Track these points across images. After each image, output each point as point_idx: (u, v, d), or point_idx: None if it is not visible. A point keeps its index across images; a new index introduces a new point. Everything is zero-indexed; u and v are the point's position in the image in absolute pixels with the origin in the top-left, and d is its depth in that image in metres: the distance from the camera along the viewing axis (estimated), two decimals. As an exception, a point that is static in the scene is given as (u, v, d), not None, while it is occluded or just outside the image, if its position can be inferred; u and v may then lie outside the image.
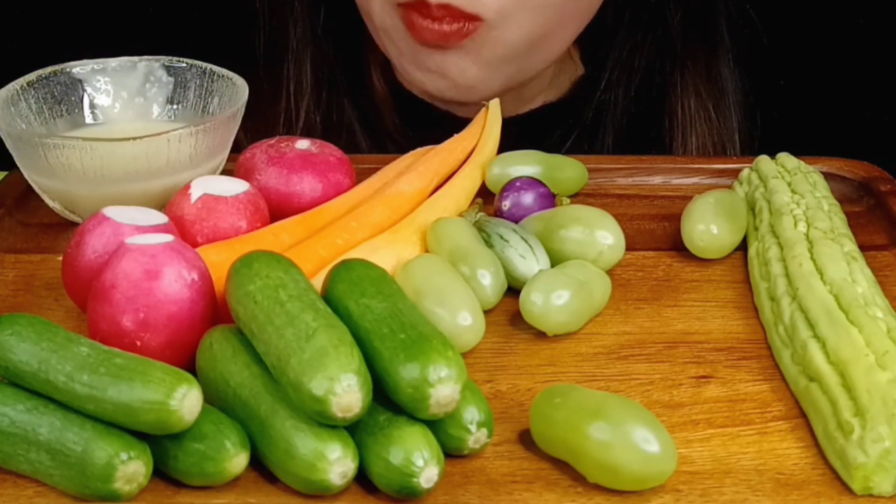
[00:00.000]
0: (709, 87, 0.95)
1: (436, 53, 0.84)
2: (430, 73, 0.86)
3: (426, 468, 0.52)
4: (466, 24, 0.81)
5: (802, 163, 0.76)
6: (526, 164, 0.76)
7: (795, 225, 0.68)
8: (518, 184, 0.73)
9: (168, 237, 0.61)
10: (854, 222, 0.72)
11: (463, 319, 0.62)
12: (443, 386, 0.53)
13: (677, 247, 0.72)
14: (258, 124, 0.84)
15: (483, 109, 0.80)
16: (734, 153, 0.95)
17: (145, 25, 1.05)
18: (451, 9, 0.81)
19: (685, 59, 0.94)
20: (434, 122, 0.94)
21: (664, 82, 0.95)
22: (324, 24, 0.94)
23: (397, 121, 0.96)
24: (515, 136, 0.81)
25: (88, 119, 0.79)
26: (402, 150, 0.79)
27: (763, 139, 0.98)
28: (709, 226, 0.71)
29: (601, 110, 0.95)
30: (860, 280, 0.63)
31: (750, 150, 0.96)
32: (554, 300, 0.63)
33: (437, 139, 0.78)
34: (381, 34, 0.88)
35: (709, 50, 0.95)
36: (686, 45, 0.94)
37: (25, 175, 0.74)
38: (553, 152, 0.79)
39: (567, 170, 0.78)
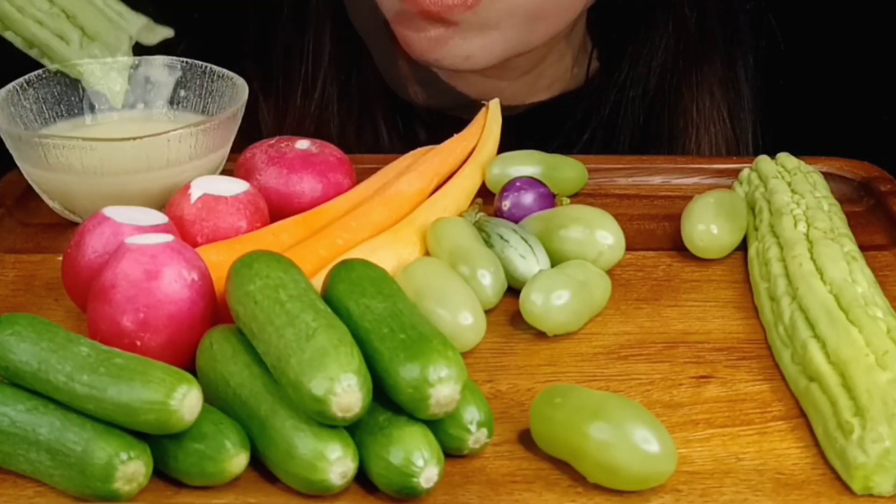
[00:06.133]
0: (724, 89, 0.95)
1: (438, 26, 0.85)
2: (430, 40, 0.87)
3: (426, 468, 0.52)
4: None
5: (802, 163, 0.76)
6: (526, 164, 0.76)
7: (795, 225, 0.68)
8: (518, 184, 0.73)
9: (168, 237, 0.61)
10: (854, 222, 0.72)
11: (463, 319, 0.62)
12: (443, 386, 0.52)
13: (677, 247, 0.72)
14: (245, 123, 0.85)
15: (483, 109, 0.80)
16: (747, 155, 0.95)
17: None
18: None
19: (702, 60, 0.94)
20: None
21: (680, 83, 0.95)
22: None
23: (420, 94, 0.97)
24: (530, 126, 0.81)
25: (88, 119, 0.78)
26: (429, 129, 0.78)
27: (763, 139, 0.98)
28: (709, 226, 0.71)
29: (617, 109, 0.96)
30: (860, 280, 0.63)
31: (762, 152, 0.96)
32: (554, 300, 0.63)
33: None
34: (382, 5, 0.89)
35: (726, 52, 0.95)
36: (704, 46, 0.94)
37: (25, 175, 0.74)
38: (569, 147, 0.78)
39: (567, 170, 0.78)
